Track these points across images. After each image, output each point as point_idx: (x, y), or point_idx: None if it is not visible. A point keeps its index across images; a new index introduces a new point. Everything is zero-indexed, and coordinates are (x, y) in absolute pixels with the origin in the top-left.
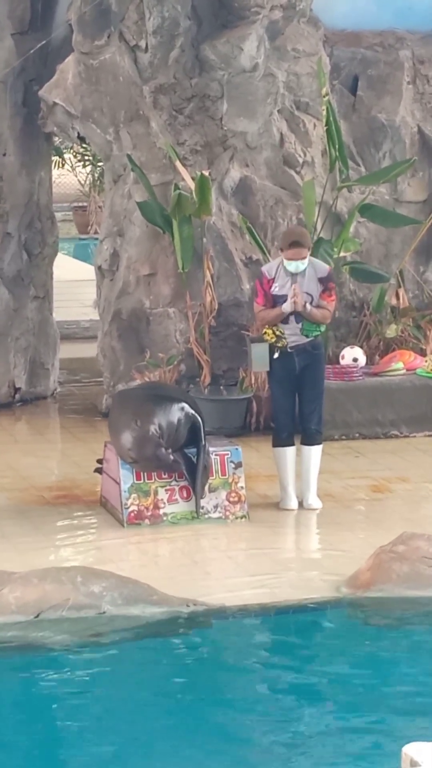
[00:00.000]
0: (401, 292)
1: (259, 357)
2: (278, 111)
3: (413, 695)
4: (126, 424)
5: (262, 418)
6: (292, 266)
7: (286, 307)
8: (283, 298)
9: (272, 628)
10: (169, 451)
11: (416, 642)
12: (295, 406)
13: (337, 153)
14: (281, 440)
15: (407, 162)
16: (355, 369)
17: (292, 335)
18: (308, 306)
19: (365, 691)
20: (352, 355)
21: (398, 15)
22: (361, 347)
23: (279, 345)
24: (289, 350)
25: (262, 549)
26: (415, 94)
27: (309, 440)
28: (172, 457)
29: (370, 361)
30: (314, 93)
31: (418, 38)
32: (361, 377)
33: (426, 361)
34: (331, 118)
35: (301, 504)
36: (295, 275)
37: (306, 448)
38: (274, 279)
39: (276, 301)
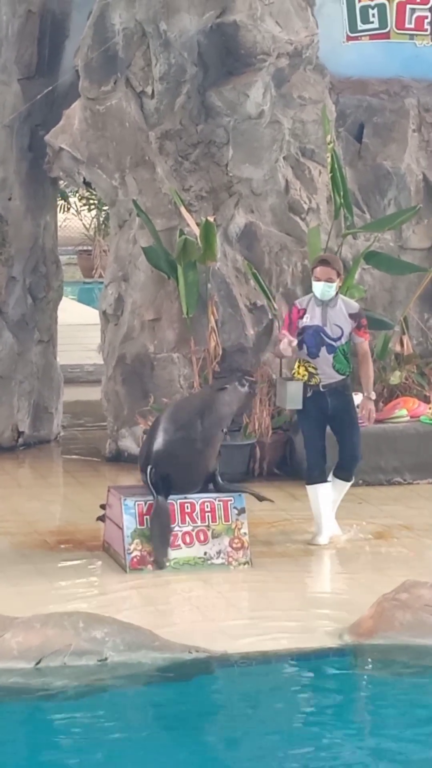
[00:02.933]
0: (405, 339)
1: (293, 395)
2: (284, 158)
3: (416, 745)
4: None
5: (265, 463)
6: (319, 288)
7: (283, 345)
8: (312, 329)
9: (274, 675)
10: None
11: (419, 691)
12: (325, 443)
13: (342, 200)
14: (314, 478)
15: (412, 209)
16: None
17: (324, 370)
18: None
19: (368, 741)
20: (356, 401)
21: (405, 63)
22: None
23: (312, 383)
24: (321, 389)
25: (265, 596)
26: (421, 141)
27: (345, 475)
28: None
29: None
30: (320, 140)
31: (424, 86)
32: (364, 424)
33: (430, 408)
34: (335, 166)
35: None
36: (325, 308)
37: (339, 482)
38: (305, 310)
39: (304, 332)
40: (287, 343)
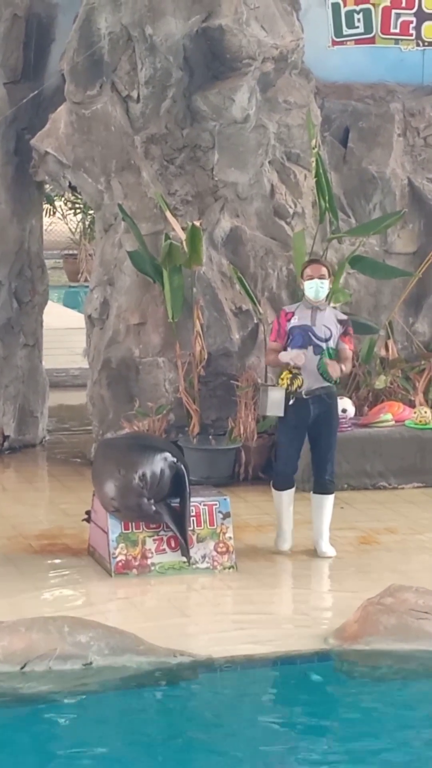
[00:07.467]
0: (390, 343)
1: (275, 402)
2: (269, 162)
3: (398, 749)
4: (110, 473)
5: (250, 468)
6: (312, 287)
7: (284, 355)
8: (300, 330)
9: (259, 680)
10: (152, 501)
11: (403, 695)
12: (299, 452)
13: (327, 204)
14: (279, 484)
15: (397, 214)
16: (343, 420)
17: (308, 372)
18: (337, 364)
19: (351, 745)
20: (341, 406)
21: (390, 68)
22: (350, 398)
23: (294, 386)
24: (305, 396)
25: (250, 600)
26: (406, 146)
27: (322, 489)
28: (153, 507)
29: (358, 412)
30: (305, 144)
31: (409, 91)
32: (349, 428)
33: (415, 413)
34: (320, 170)
35: (315, 552)
36: (315, 310)
37: (319, 497)
38: (293, 313)
39: (292, 333)
40: (298, 354)
